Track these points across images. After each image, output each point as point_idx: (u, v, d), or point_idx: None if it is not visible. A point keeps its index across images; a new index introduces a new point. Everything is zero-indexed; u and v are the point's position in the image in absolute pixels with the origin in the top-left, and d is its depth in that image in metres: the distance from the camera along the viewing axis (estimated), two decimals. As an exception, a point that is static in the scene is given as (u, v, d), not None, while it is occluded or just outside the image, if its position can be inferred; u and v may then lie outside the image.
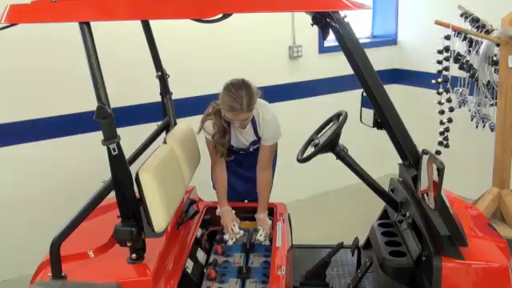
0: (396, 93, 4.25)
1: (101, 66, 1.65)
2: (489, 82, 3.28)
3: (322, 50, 4.13)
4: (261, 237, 2.50)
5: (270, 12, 1.97)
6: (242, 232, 2.55)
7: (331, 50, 4.08)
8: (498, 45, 3.16)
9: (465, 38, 3.25)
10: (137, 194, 1.86)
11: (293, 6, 1.83)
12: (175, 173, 2.22)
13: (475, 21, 3.23)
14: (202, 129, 2.54)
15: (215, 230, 2.61)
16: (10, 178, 3.19)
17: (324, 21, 1.76)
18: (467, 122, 3.45)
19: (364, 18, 4.68)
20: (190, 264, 2.20)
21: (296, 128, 3.09)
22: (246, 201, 2.78)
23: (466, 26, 3.24)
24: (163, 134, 2.59)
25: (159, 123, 2.62)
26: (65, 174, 3.31)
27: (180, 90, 2.94)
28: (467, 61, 3.29)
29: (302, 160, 2.24)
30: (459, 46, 3.28)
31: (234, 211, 2.62)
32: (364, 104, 2.20)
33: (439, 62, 3.30)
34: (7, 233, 3.19)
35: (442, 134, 3.44)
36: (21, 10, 1.62)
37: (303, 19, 2.09)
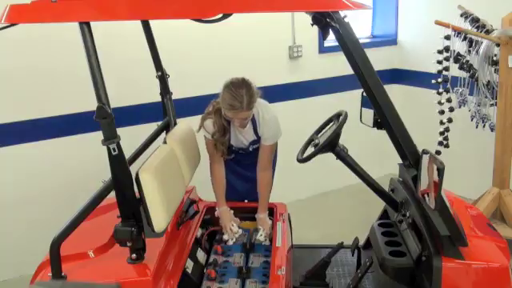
0: (396, 93, 4.25)
1: (101, 65, 1.65)
2: (489, 81, 3.28)
3: (322, 50, 4.14)
4: (261, 237, 2.50)
5: (270, 12, 1.97)
6: (240, 231, 2.55)
7: (331, 50, 4.08)
8: (498, 45, 3.16)
9: (465, 38, 3.25)
10: (137, 194, 1.86)
11: (293, 5, 1.83)
12: (175, 173, 2.22)
13: (475, 21, 3.23)
14: (202, 127, 2.54)
15: (215, 230, 2.61)
16: (10, 177, 3.19)
17: (324, 21, 1.76)
18: (467, 121, 3.45)
19: (364, 18, 4.68)
20: (190, 264, 2.20)
21: (296, 128, 3.09)
22: (246, 201, 2.78)
23: (466, 25, 3.24)
24: (163, 134, 2.59)
25: (159, 123, 2.62)
26: (65, 174, 3.31)
27: (180, 90, 2.94)
28: (467, 61, 3.29)
29: (302, 160, 2.24)
30: (459, 45, 3.28)
31: (232, 211, 2.62)
32: (364, 104, 2.20)
33: (439, 62, 3.30)
34: (7, 233, 3.19)
35: (441, 134, 3.44)
36: (21, 10, 1.62)
37: (303, 19, 2.09)
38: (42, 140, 3.23)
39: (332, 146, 2.18)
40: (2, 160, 3.15)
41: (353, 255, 2.49)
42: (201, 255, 2.39)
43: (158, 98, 2.67)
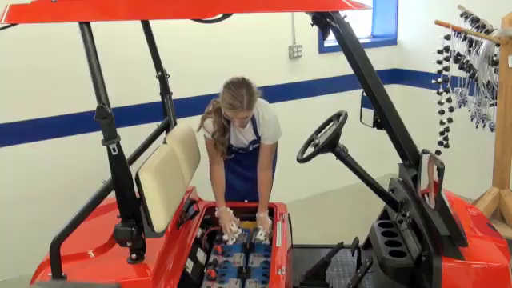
0: (396, 93, 4.25)
1: (101, 65, 1.65)
2: (489, 81, 3.28)
3: (322, 50, 4.13)
4: (261, 236, 2.50)
5: (270, 12, 1.97)
6: (240, 230, 2.56)
7: (331, 50, 4.08)
8: (498, 45, 3.16)
9: (465, 38, 3.25)
10: (137, 194, 1.86)
11: (293, 5, 1.83)
12: (175, 173, 2.22)
13: (475, 21, 3.23)
14: (202, 127, 2.55)
15: (215, 230, 2.61)
16: (10, 178, 3.19)
17: (324, 21, 1.76)
18: (467, 121, 3.45)
19: (364, 18, 4.68)
20: (190, 264, 2.20)
21: (296, 128, 3.09)
22: (246, 201, 2.78)
23: (466, 25, 3.24)
24: (163, 134, 2.59)
25: (159, 123, 2.62)
26: (65, 174, 3.31)
27: (180, 90, 2.94)
28: (467, 61, 3.29)
29: (302, 160, 2.24)
30: (459, 45, 3.28)
31: (231, 211, 2.62)
32: (364, 104, 2.20)
33: (439, 62, 3.30)
34: (7, 233, 3.19)
35: (441, 134, 3.44)
36: (21, 10, 1.62)
37: (303, 19, 2.09)
38: (42, 140, 3.23)
39: (332, 145, 2.18)
40: (2, 160, 3.15)
41: (353, 255, 2.49)
42: (201, 255, 2.39)
43: (158, 98, 2.67)
